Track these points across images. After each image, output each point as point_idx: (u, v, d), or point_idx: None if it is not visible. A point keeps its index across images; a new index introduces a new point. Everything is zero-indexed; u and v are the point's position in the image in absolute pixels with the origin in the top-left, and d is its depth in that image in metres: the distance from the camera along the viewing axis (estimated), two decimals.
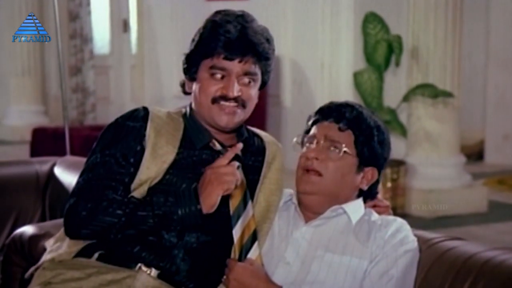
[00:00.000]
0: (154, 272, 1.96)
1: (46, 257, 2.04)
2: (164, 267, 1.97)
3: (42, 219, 2.94)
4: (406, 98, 5.83)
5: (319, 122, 2.08)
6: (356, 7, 6.49)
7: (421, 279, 1.95)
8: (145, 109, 2.08)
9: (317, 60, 6.95)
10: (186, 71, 2.09)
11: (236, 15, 2.03)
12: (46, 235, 2.41)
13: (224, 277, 1.97)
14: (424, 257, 1.97)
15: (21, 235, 2.52)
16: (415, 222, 4.30)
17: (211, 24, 2.02)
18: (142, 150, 2.01)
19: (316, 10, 6.92)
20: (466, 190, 5.98)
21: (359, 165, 2.04)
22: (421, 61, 5.84)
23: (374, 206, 2.10)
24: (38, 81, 9.89)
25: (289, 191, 2.15)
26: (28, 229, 2.53)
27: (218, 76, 2.01)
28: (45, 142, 6.74)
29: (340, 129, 2.04)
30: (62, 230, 2.04)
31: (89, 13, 8.83)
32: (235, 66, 2.00)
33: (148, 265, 1.96)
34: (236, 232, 1.99)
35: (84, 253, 1.98)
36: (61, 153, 3.90)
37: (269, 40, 2.05)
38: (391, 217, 2.05)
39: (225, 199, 1.98)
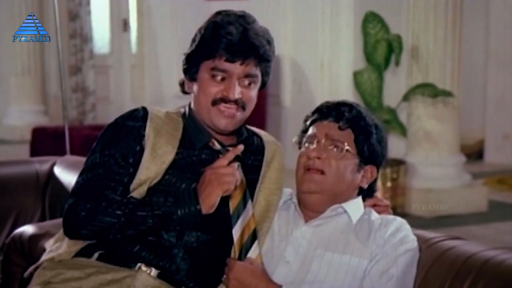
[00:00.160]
0: (154, 271, 1.97)
1: (45, 257, 2.04)
2: (164, 266, 1.97)
3: (42, 218, 2.94)
4: (406, 98, 5.83)
5: (318, 122, 2.08)
6: (356, 7, 6.49)
7: (421, 278, 1.95)
8: (145, 109, 2.08)
9: (317, 60, 6.95)
10: (186, 71, 2.08)
11: (237, 16, 2.03)
12: (46, 235, 2.41)
13: (224, 276, 1.97)
14: (424, 256, 1.97)
15: (21, 235, 2.53)
16: (415, 221, 4.29)
17: (212, 25, 2.02)
18: (142, 150, 2.01)
19: (316, 9, 6.92)
20: (466, 189, 5.98)
21: (359, 164, 2.05)
22: (421, 60, 5.84)
23: (374, 206, 2.10)
24: (38, 80, 9.89)
25: (289, 191, 2.15)
26: (28, 229, 2.54)
27: (219, 77, 2.01)
28: (45, 141, 6.74)
29: (340, 128, 2.05)
30: (61, 230, 2.04)
31: (89, 12, 8.83)
32: (236, 68, 2.00)
33: (148, 265, 1.96)
34: (236, 232, 1.99)
35: (84, 252, 1.98)
36: (61, 152, 3.90)
37: (270, 42, 2.05)
38: (391, 217, 2.05)
39: (225, 199, 1.98)
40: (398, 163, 5.79)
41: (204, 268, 2.01)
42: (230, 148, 2.07)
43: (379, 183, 2.16)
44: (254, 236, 2.00)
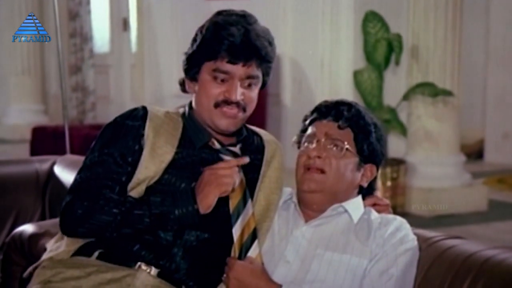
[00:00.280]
0: (154, 270, 1.97)
1: (45, 256, 2.05)
2: (164, 265, 1.97)
3: (42, 217, 2.94)
4: (406, 97, 5.83)
5: (317, 121, 2.09)
6: (356, 6, 6.49)
7: (421, 277, 1.95)
8: (144, 109, 2.08)
9: (317, 59, 6.95)
10: (187, 71, 2.08)
11: (238, 16, 2.03)
12: (46, 234, 2.42)
13: (224, 275, 1.97)
14: (424, 255, 1.97)
15: (21, 234, 2.53)
16: (415, 221, 4.29)
17: (213, 25, 2.02)
18: (141, 149, 2.01)
19: (316, 9, 6.91)
20: (466, 189, 5.98)
21: (359, 162, 2.06)
22: (421, 60, 5.84)
23: (374, 205, 2.10)
24: (38, 80, 9.89)
25: (288, 190, 2.15)
26: (28, 228, 2.54)
27: (220, 79, 2.01)
28: (45, 141, 6.74)
29: (339, 127, 2.05)
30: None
31: (89, 12, 8.82)
32: (238, 69, 2.00)
33: (148, 264, 1.96)
34: (236, 231, 1.99)
35: (84, 251, 1.99)
36: (61, 152, 3.90)
37: (271, 43, 2.05)
38: (391, 216, 2.05)
39: (225, 198, 1.99)
40: (398, 162, 5.79)
41: (204, 267, 2.01)
42: (231, 148, 2.08)
43: (379, 183, 2.17)
44: (254, 236, 2.00)
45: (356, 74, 5.85)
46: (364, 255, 1.95)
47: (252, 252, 1.98)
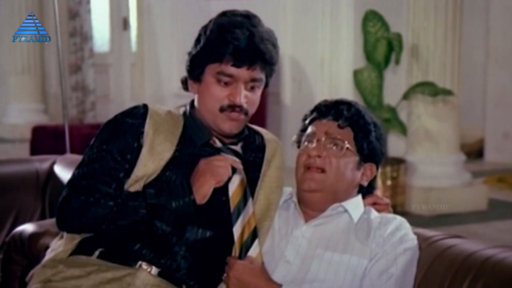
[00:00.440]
0: (154, 270, 1.96)
1: (47, 257, 2.05)
2: (164, 264, 1.97)
3: (42, 217, 2.94)
4: (406, 96, 5.83)
5: (317, 120, 2.09)
6: (356, 5, 6.49)
7: (421, 277, 1.95)
8: (145, 106, 2.08)
9: (317, 58, 6.95)
10: (190, 71, 2.08)
11: (243, 17, 2.02)
12: (46, 233, 2.42)
13: (225, 275, 1.98)
14: (424, 255, 1.97)
15: (21, 233, 2.53)
16: (415, 220, 4.29)
17: (218, 28, 2.01)
18: (140, 147, 2.01)
19: (316, 8, 6.91)
20: (466, 188, 5.98)
21: (359, 161, 2.06)
22: (421, 59, 5.84)
23: (374, 204, 2.10)
24: (38, 79, 9.89)
25: (289, 190, 2.15)
26: (28, 227, 2.54)
27: (224, 81, 2.01)
28: (45, 140, 6.74)
29: (339, 126, 2.05)
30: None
31: (89, 11, 8.82)
32: (243, 73, 2.00)
33: (149, 263, 1.96)
34: (237, 230, 1.99)
35: (84, 250, 1.99)
36: (61, 151, 3.90)
37: (275, 45, 2.05)
38: (391, 215, 2.05)
39: (226, 197, 1.99)
40: (398, 161, 5.79)
41: (204, 267, 2.01)
42: (232, 146, 2.08)
43: (379, 182, 2.17)
44: (254, 235, 2.00)
45: (356, 73, 5.85)
46: (364, 254, 1.95)
47: (253, 252, 1.98)
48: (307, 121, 2.11)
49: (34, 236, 2.47)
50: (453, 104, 5.91)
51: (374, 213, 2.04)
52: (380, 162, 2.11)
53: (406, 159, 5.91)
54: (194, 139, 2.06)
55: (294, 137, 2.14)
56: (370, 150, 2.06)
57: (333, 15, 6.79)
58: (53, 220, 2.05)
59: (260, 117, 6.68)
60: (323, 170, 2.02)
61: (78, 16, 8.71)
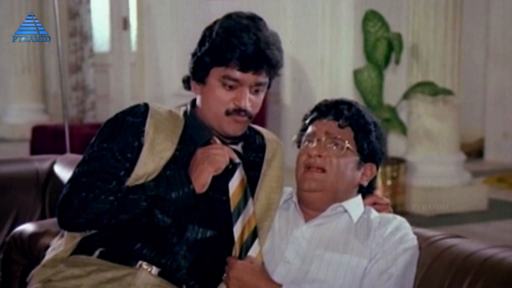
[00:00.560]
0: (154, 269, 1.97)
1: (47, 257, 2.05)
2: (165, 264, 1.97)
3: (42, 217, 2.94)
4: (406, 96, 5.83)
5: (317, 120, 2.09)
6: (356, 5, 6.49)
7: (421, 277, 1.95)
8: (146, 105, 2.08)
9: (317, 58, 6.96)
10: (193, 73, 2.08)
11: (248, 19, 2.01)
12: (46, 233, 2.41)
13: (225, 275, 1.98)
14: (424, 255, 1.97)
15: (21, 233, 2.52)
16: (415, 220, 4.30)
17: (224, 32, 2.00)
18: (140, 146, 2.01)
19: (316, 7, 6.92)
20: (466, 188, 5.98)
21: (359, 161, 2.06)
22: (421, 59, 5.84)
23: (374, 204, 2.10)
24: (38, 79, 9.89)
25: (289, 190, 2.15)
26: (28, 227, 2.53)
27: (230, 85, 2.01)
28: (45, 140, 6.75)
29: (340, 126, 2.05)
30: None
31: (89, 11, 8.84)
32: (248, 78, 2.00)
33: (149, 263, 1.96)
34: (237, 230, 1.99)
35: (85, 250, 1.99)
36: (61, 151, 3.90)
37: (279, 49, 2.05)
38: (391, 215, 2.05)
39: (226, 197, 1.99)
40: (398, 161, 5.80)
41: (205, 266, 2.01)
42: (232, 146, 2.09)
43: (379, 182, 2.17)
44: (254, 235, 2.00)
45: (356, 73, 5.85)
46: (363, 254, 1.95)
47: (253, 252, 1.98)
48: (307, 121, 2.11)
49: (34, 236, 2.47)
50: (453, 104, 5.91)
51: (374, 213, 2.04)
52: (380, 162, 2.11)
53: (406, 159, 5.91)
54: (195, 138, 2.07)
55: (294, 137, 2.14)
56: (370, 150, 2.06)
57: (333, 15, 6.80)
58: (53, 220, 2.06)
59: (260, 117, 6.65)
60: (323, 170, 2.02)
61: (78, 16, 8.72)
